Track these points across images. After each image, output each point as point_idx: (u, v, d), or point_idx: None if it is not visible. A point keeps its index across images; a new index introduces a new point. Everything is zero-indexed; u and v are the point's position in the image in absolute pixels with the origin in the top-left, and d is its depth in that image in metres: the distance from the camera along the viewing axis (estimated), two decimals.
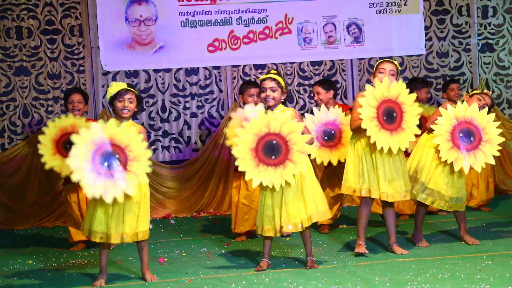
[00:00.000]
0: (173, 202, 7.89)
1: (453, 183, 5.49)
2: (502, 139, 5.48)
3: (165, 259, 5.54)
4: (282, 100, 5.17)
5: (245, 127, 4.97)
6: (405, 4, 8.17)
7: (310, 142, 5.05)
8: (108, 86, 7.58)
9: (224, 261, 5.44)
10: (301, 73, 8.18)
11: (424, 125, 6.30)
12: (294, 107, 8.07)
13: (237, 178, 6.27)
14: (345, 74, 8.19)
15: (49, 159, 6.11)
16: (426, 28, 8.27)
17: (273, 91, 5.06)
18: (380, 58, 7.90)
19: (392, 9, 8.16)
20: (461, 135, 5.40)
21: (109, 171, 4.71)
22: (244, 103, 6.33)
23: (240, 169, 4.96)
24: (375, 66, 5.52)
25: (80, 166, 4.62)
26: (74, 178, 4.62)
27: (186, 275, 4.94)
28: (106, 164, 4.71)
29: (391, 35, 8.22)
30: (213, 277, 4.87)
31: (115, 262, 5.45)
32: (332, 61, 8.19)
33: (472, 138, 5.42)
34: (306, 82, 8.18)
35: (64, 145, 6.12)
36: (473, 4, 8.34)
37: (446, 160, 5.36)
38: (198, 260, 5.48)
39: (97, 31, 7.88)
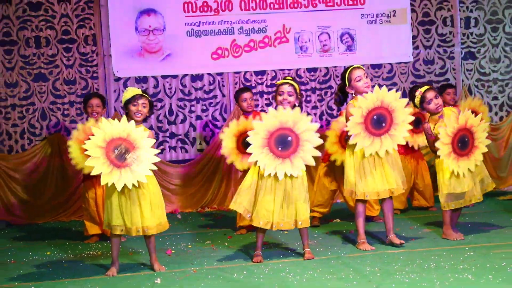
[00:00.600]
0: (180, 198, 7.92)
1: (457, 180, 5.38)
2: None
3: (172, 251, 5.55)
4: (296, 104, 5.13)
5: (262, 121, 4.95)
6: (394, 15, 8.18)
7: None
8: (119, 91, 7.74)
9: (226, 252, 5.41)
10: (298, 79, 8.06)
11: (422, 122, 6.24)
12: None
13: (242, 175, 6.13)
14: (338, 80, 7.75)
15: (79, 160, 5.96)
16: (413, 37, 8.27)
17: (290, 96, 5.07)
18: (372, 65, 8.20)
19: (382, 20, 8.18)
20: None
21: (119, 161, 4.72)
22: (240, 108, 6.43)
23: (248, 150, 4.93)
24: (346, 76, 5.39)
25: (95, 154, 4.69)
26: (88, 162, 4.69)
27: (191, 266, 4.95)
28: (116, 153, 4.73)
29: (381, 44, 8.21)
30: (217, 267, 4.87)
31: (126, 254, 5.45)
32: (326, 68, 8.21)
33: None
34: (303, 87, 8.06)
35: None
36: (457, 16, 8.31)
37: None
38: (203, 252, 5.49)
39: (109, 40, 7.89)
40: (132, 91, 5.05)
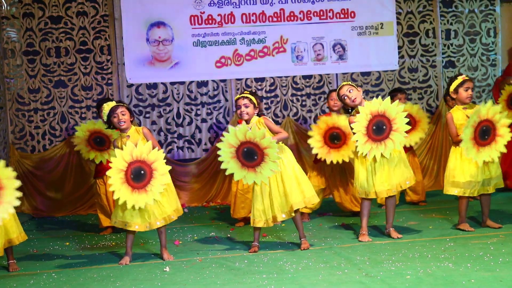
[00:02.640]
0: (187, 193, 7.90)
1: (469, 170, 5.27)
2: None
3: (180, 242, 5.56)
4: (256, 113, 5.09)
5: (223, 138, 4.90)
6: (381, 28, 8.20)
7: (282, 138, 5.01)
8: (132, 97, 7.80)
9: (229, 243, 5.42)
10: (294, 85, 8.16)
11: (413, 125, 6.39)
12: (288, 114, 8.12)
13: None
14: (331, 86, 8.11)
15: (85, 152, 6.30)
16: (399, 47, 8.27)
17: (246, 107, 5.03)
18: (361, 73, 8.19)
19: (370, 31, 8.20)
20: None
21: (137, 184, 4.71)
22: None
23: (227, 172, 4.89)
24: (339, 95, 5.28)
25: (116, 183, 4.67)
26: (112, 191, 4.69)
27: (197, 255, 4.96)
28: (132, 176, 4.70)
29: (370, 53, 8.21)
30: (220, 257, 4.88)
31: (138, 244, 5.44)
32: (320, 75, 8.19)
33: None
34: (299, 93, 8.17)
35: (94, 141, 6.35)
36: (438, 28, 8.33)
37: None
38: (208, 243, 5.50)
39: (122, 50, 7.91)
40: (108, 105, 5.01)
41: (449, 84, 5.49)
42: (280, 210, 4.95)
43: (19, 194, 4.52)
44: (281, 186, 4.96)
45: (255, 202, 4.97)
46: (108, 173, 4.72)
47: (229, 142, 4.87)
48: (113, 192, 4.71)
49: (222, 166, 4.91)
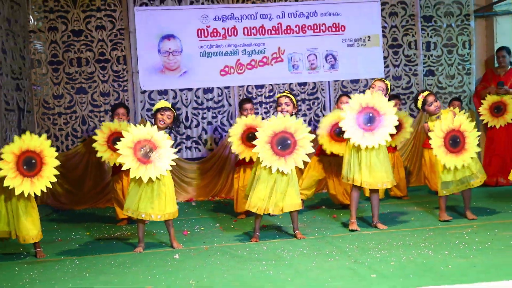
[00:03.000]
0: (194, 189, 7.93)
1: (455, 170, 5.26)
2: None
3: (188, 232, 5.58)
4: (293, 113, 5.07)
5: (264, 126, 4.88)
6: (368, 40, 8.21)
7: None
8: (145, 102, 7.80)
9: (232, 233, 5.44)
10: (290, 91, 8.13)
11: (399, 127, 6.31)
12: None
13: (238, 171, 6.30)
14: (324, 92, 8.18)
15: (102, 152, 6.16)
16: (385, 58, 8.28)
17: (287, 105, 5.00)
18: (351, 80, 8.20)
19: (359, 43, 8.21)
20: (450, 141, 5.17)
21: (145, 159, 4.71)
22: (241, 115, 6.35)
23: (259, 154, 4.87)
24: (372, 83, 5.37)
25: (126, 153, 4.70)
26: (119, 160, 4.69)
27: (204, 244, 4.97)
28: (142, 152, 4.71)
29: (358, 63, 8.21)
30: (224, 245, 4.89)
31: (150, 234, 5.48)
32: (314, 82, 8.19)
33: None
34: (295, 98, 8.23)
35: (113, 142, 6.15)
36: (419, 41, 8.32)
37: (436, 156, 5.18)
38: (213, 233, 5.50)
39: (137, 60, 7.91)
40: (163, 103, 5.04)
41: (416, 104, 5.49)
42: (273, 204, 4.94)
43: (57, 172, 4.66)
44: (284, 185, 4.94)
45: (257, 189, 4.92)
46: (119, 152, 4.74)
47: (267, 133, 4.86)
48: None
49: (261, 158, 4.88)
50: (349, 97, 5.32)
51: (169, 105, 5.03)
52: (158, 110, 4.99)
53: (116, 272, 4.14)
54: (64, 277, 4.06)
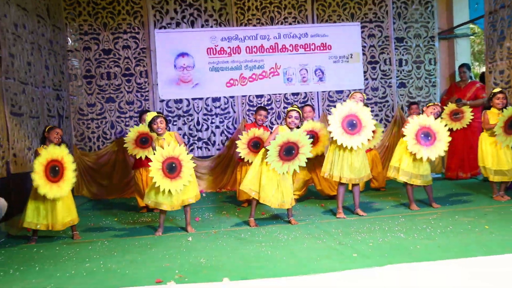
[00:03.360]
0: (205, 182, 7.91)
1: (420, 165, 5.26)
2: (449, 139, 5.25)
3: (199, 218, 5.57)
4: (299, 126, 5.04)
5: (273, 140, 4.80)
6: (351, 57, 8.21)
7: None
8: (163, 109, 7.78)
9: (237, 219, 5.42)
10: (285, 100, 8.17)
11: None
12: (281, 122, 8.00)
13: (240, 166, 6.21)
14: (313, 101, 8.16)
15: (130, 148, 6.19)
16: (364, 72, 8.27)
17: (296, 119, 4.91)
18: (336, 91, 8.22)
19: (343, 60, 8.20)
20: (422, 135, 5.20)
21: (171, 175, 4.72)
22: (255, 120, 6.23)
23: (269, 162, 4.80)
24: (350, 94, 5.36)
25: (156, 172, 4.68)
26: (154, 179, 4.64)
27: (213, 228, 4.97)
28: (168, 170, 4.70)
29: (342, 76, 8.19)
30: (230, 230, 4.88)
31: (168, 220, 5.45)
32: (305, 92, 8.18)
33: (429, 138, 5.19)
34: (288, 106, 7.99)
35: (141, 140, 6.23)
36: (393, 58, 8.33)
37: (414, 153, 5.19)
38: (220, 219, 5.49)
39: (156, 74, 7.91)
40: (151, 114, 4.86)
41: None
42: (275, 197, 4.90)
43: (75, 174, 4.77)
44: (282, 184, 4.90)
45: (265, 187, 4.86)
46: (150, 174, 4.72)
47: (278, 143, 4.78)
48: (147, 180, 4.66)
49: (272, 165, 4.82)
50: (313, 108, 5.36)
51: (155, 113, 4.86)
52: (150, 122, 4.83)
53: (139, 251, 4.15)
54: (96, 256, 4.07)
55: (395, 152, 5.46)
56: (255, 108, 8.04)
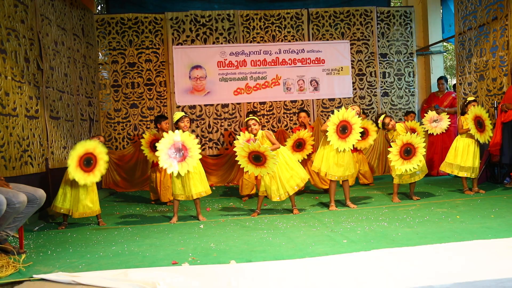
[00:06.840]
0: (214, 177, 7.89)
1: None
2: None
3: (209, 209, 5.53)
4: (260, 128, 5.00)
5: (239, 148, 4.75)
6: (341, 70, 8.22)
7: (276, 148, 4.83)
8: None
9: (242, 210, 5.38)
10: (285, 107, 8.16)
11: (366, 134, 6.16)
12: (281, 126, 8.08)
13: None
14: (309, 107, 8.16)
15: (147, 152, 6.07)
16: (353, 83, 8.28)
17: (254, 125, 4.94)
18: (329, 99, 8.31)
19: (334, 72, 8.21)
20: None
21: (178, 158, 4.65)
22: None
23: (245, 170, 4.82)
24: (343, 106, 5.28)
25: (163, 154, 4.62)
26: (160, 163, 4.56)
27: (221, 217, 4.93)
28: (176, 154, 4.65)
29: (334, 86, 8.22)
30: (236, 218, 4.83)
31: (182, 210, 5.47)
32: (302, 100, 8.17)
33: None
34: (288, 112, 8.15)
35: (153, 145, 6.16)
36: (378, 71, 8.34)
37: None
38: (228, 209, 5.46)
39: (174, 84, 7.92)
40: (179, 114, 4.94)
41: (377, 125, 5.47)
42: (277, 192, 4.85)
43: (107, 165, 4.66)
44: (279, 176, 4.84)
45: (270, 184, 4.84)
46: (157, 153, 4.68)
47: (241, 154, 4.79)
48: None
49: (245, 169, 4.82)
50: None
51: (183, 113, 4.93)
52: (178, 120, 4.92)
53: (158, 237, 4.13)
54: (120, 240, 4.06)
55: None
56: (260, 113, 8.13)
